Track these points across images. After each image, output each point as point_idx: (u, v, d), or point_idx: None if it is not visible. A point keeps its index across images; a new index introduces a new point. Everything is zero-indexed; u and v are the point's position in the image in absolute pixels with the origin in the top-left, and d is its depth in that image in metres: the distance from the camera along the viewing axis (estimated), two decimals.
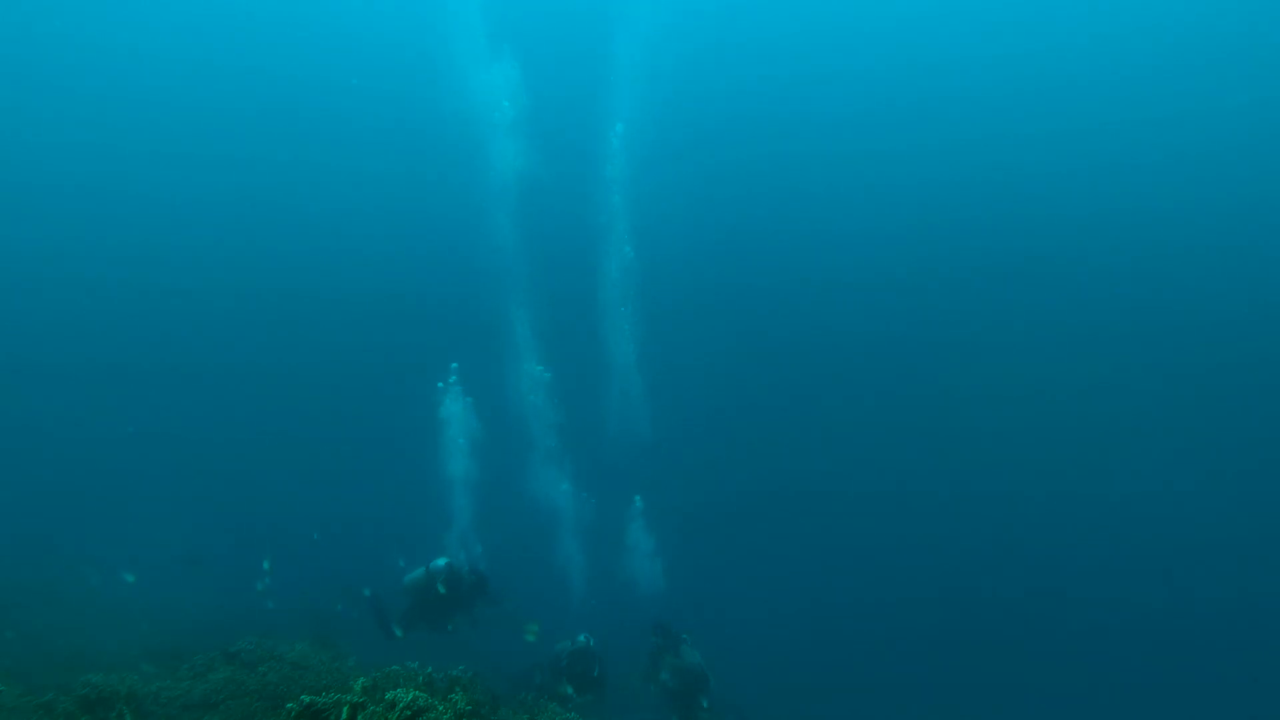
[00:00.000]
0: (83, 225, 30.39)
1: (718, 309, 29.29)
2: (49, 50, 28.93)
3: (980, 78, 29.63)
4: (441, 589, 10.11)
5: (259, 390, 27.94)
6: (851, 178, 30.78)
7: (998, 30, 28.76)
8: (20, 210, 29.59)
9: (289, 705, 5.10)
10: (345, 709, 5.07)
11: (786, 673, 17.41)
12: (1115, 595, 23.25)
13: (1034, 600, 23.11)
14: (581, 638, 10.70)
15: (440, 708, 5.36)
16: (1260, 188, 27.56)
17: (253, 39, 29.74)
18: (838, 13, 29.16)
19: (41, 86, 29.62)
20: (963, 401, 27.56)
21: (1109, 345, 28.04)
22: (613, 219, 20.70)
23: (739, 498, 25.79)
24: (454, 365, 15.50)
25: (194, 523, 18.00)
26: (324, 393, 27.99)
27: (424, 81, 25.02)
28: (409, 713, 5.17)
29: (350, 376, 28.23)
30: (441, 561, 10.42)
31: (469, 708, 5.63)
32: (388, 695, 5.32)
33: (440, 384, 15.48)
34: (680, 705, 10.60)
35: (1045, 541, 24.87)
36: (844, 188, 30.81)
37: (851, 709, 16.63)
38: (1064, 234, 28.95)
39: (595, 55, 22.37)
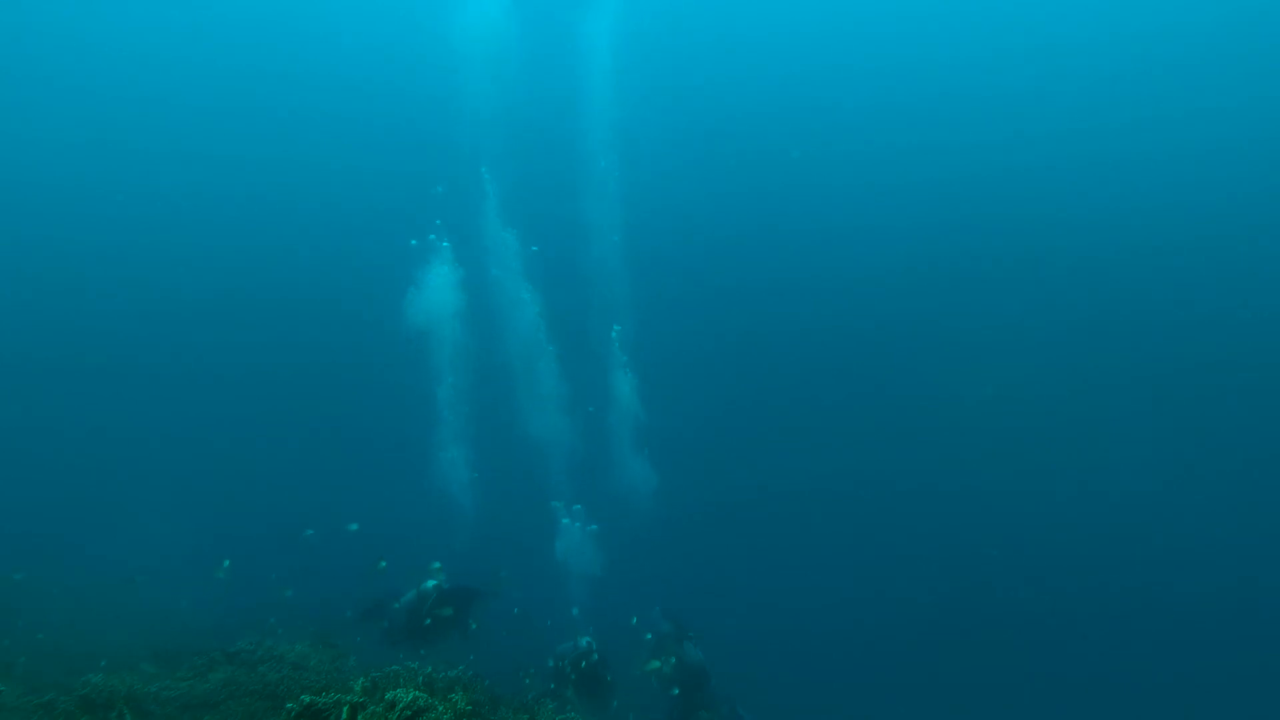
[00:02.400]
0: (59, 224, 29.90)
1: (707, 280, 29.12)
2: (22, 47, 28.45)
3: (975, 75, 29.68)
4: (436, 612, 10.15)
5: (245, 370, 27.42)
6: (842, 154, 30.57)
7: (990, 29, 28.82)
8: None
9: (289, 705, 5.13)
10: (345, 709, 5.09)
11: (786, 672, 17.41)
12: (1113, 594, 23.27)
13: (1033, 600, 23.10)
14: (584, 640, 10.61)
15: (440, 708, 5.38)
16: (1258, 187, 27.56)
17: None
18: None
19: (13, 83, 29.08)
20: (960, 400, 27.50)
21: (1110, 346, 28.03)
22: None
23: (737, 496, 25.73)
24: (438, 222, 14.08)
25: (199, 522, 17.85)
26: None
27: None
28: (409, 713, 5.20)
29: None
30: (430, 584, 10.40)
31: (469, 708, 5.65)
32: (388, 695, 5.34)
33: (414, 241, 13.96)
34: (679, 702, 10.61)
35: (1044, 541, 24.84)
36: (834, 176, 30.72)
37: (851, 709, 16.63)
38: (1060, 233, 28.93)
39: None
